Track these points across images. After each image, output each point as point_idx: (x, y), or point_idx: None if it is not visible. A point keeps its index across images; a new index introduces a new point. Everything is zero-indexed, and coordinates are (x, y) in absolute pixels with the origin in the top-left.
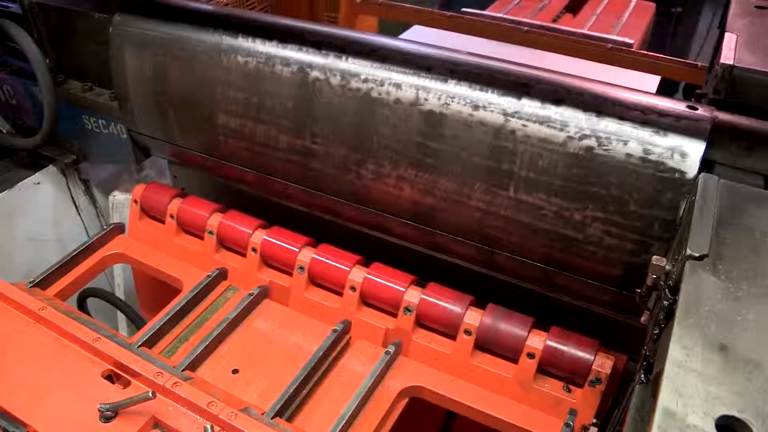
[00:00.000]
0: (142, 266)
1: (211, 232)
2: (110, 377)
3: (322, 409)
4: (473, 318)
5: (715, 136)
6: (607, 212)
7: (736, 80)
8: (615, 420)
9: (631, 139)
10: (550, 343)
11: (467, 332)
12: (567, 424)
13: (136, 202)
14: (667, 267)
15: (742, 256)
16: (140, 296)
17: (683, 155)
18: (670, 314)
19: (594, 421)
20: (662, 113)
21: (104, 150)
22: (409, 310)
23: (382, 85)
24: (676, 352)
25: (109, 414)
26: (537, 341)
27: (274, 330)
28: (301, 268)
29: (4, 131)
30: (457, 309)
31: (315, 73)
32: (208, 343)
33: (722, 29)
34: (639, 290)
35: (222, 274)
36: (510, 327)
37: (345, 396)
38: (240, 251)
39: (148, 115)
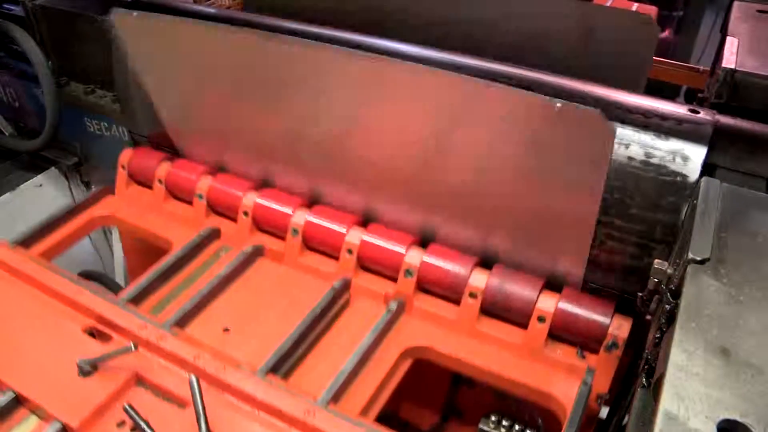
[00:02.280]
0: (130, 228)
1: (200, 196)
2: (92, 333)
3: (320, 368)
4: (479, 280)
5: (716, 139)
6: (608, 215)
7: (738, 84)
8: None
9: (632, 143)
10: (562, 305)
11: (472, 295)
12: (584, 383)
13: (123, 167)
14: (669, 271)
15: (744, 259)
16: (129, 264)
17: (685, 159)
18: (671, 318)
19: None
20: (664, 117)
21: (106, 152)
22: (410, 273)
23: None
24: (677, 355)
25: (88, 369)
26: (548, 304)
27: (268, 289)
28: (295, 231)
29: (7, 133)
30: (461, 270)
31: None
32: (197, 300)
33: (724, 33)
34: (640, 294)
35: (215, 234)
36: (519, 289)
37: (344, 355)
38: (232, 216)
39: (150, 117)
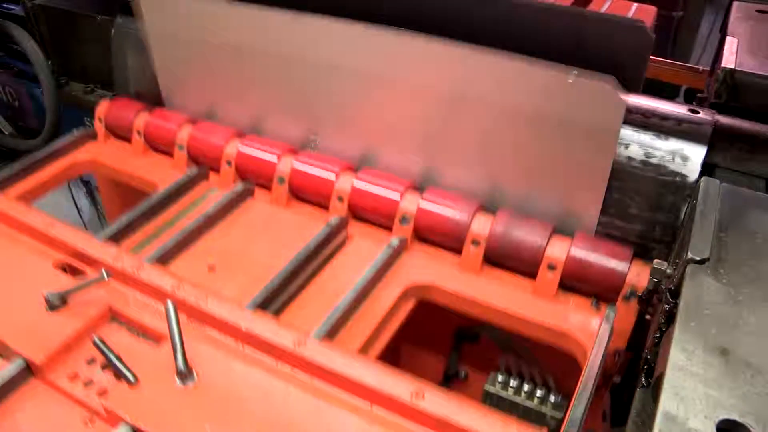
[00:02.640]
0: (114, 173)
1: (181, 147)
2: (64, 269)
3: (313, 306)
4: (482, 225)
5: (716, 139)
6: (608, 215)
7: (738, 84)
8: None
9: (632, 143)
10: (574, 252)
11: (475, 243)
12: (607, 318)
13: (100, 120)
14: (668, 270)
15: (744, 259)
16: (108, 214)
17: (684, 159)
18: (671, 318)
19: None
20: (663, 117)
21: None
22: (406, 220)
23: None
24: (677, 355)
25: (57, 303)
26: (559, 250)
27: (259, 228)
28: (281, 179)
29: (6, 133)
30: (462, 216)
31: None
32: (181, 237)
33: (723, 33)
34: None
35: (202, 174)
36: (526, 234)
37: (340, 293)
38: (215, 167)
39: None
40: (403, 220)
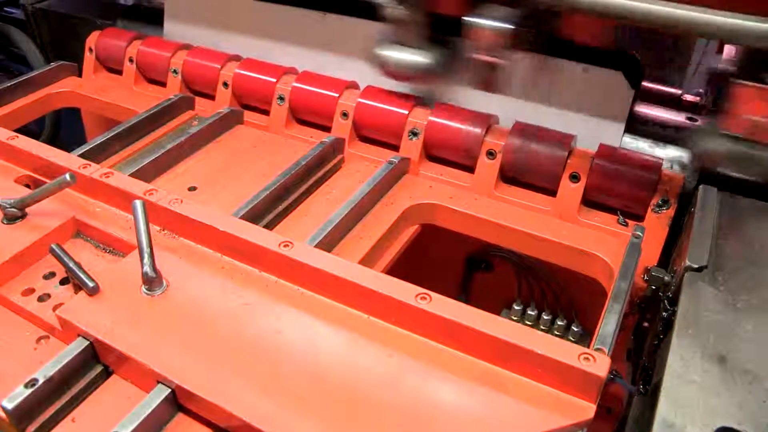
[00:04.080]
0: (95, 106)
1: (175, 72)
2: (27, 185)
3: (304, 224)
4: (498, 136)
5: None
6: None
7: None
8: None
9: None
10: (599, 160)
11: (490, 154)
12: (635, 236)
13: (90, 50)
14: (666, 278)
15: (741, 267)
16: None
17: (683, 166)
18: (668, 325)
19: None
20: (662, 125)
21: None
22: (415, 134)
23: None
24: (674, 363)
25: (15, 212)
26: (582, 159)
27: (247, 151)
28: (281, 98)
29: None
30: (476, 127)
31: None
32: (158, 159)
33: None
34: (638, 301)
35: (187, 101)
36: (547, 144)
37: (334, 212)
38: (210, 93)
39: None
40: (412, 133)
